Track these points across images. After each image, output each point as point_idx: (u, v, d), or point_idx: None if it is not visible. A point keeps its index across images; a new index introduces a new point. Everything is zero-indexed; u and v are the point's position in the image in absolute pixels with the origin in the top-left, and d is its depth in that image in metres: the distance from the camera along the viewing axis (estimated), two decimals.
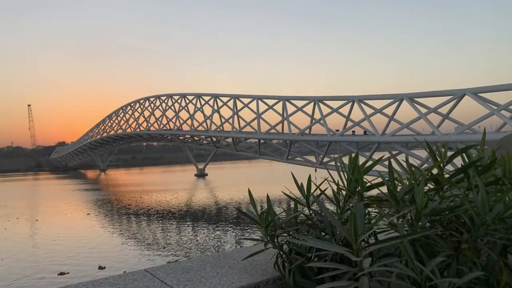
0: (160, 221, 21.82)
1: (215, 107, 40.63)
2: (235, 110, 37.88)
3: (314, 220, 1.40)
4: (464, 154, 1.26)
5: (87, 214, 24.78)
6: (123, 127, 59.49)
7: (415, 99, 23.92)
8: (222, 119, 40.00)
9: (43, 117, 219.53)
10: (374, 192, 1.32)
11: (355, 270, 1.01)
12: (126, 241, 16.95)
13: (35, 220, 23.29)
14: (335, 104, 29.23)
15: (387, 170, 1.27)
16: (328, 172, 1.44)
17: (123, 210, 26.67)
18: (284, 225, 1.41)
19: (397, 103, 24.49)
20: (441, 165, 1.25)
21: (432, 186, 1.27)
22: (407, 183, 1.23)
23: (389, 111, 25.21)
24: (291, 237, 1.37)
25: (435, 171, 1.28)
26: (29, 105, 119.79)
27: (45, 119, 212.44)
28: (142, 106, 54.63)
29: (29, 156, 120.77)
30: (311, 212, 1.41)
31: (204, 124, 42.54)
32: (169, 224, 21.07)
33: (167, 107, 48.81)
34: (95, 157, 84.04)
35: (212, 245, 15.75)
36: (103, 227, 20.51)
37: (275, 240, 1.36)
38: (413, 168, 1.26)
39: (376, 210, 1.28)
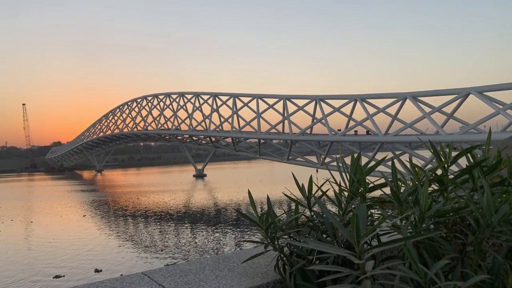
0: (158, 223, 21.68)
1: (214, 106, 40.50)
2: (235, 110, 37.80)
3: (316, 222, 1.38)
4: (469, 155, 1.25)
5: (83, 216, 24.56)
6: (120, 126, 59.19)
7: (419, 98, 23.84)
8: (222, 118, 39.90)
9: (38, 116, 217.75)
10: (377, 193, 1.30)
11: (358, 273, 0.99)
12: (123, 243, 16.81)
13: (30, 222, 23.04)
14: (337, 103, 29.18)
15: (390, 170, 1.25)
16: (330, 172, 1.42)
17: (120, 211, 26.47)
18: (285, 227, 1.39)
19: (400, 102, 24.38)
20: (446, 165, 1.24)
21: (436, 187, 1.25)
22: (411, 184, 1.21)
23: (392, 110, 25.13)
24: (292, 239, 1.34)
25: (439, 171, 1.26)
26: (23, 104, 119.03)
27: (40, 119, 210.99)
28: (139, 105, 54.42)
29: (23, 156, 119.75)
30: (312, 213, 1.39)
31: (203, 124, 42.40)
32: (167, 226, 20.94)
33: (165, 106, 48.65)
34: (91, 157, 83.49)
35: (211, 247, 15.66)
36: (100, 229, 20.33)
37: (276, 242, 1.34)
38: (416, 169, 1.24)
39: (379, 212, 1.26)
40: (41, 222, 22.90)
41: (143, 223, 21.93)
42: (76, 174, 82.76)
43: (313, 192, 1.38)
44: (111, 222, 22.71)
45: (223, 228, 19.61)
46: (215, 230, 18.94)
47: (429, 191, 1.14)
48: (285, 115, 32.40)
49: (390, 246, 0.99)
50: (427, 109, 23.40)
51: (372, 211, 1.29)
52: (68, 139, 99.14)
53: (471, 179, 1.21)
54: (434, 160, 1.28)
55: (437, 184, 1.25)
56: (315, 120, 30.66)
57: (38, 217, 24.97)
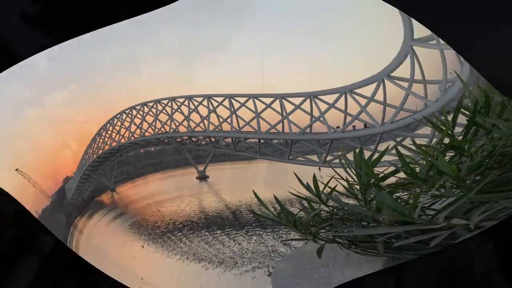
0: (194, 234, 21.34)
1: (211, 108, 39.24)
2: (232, 110, 36.75)
3: (341, 215, 1.40)
4: (463, 110, 1.21)
5: (142, 247, 24.30)
6: (116, 138, 58.19)
7: (393, 75, 22.83)
8: (220, 119, 38.88)
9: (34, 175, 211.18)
10: (389, 181, 1.30)
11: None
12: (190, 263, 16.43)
13: None
14: (330, 98, 28.05)
15: (396, 158, 1.23)
16: (334, 170, 1.42)
17: (157, 230, 26.33)
18: (312, 222, 1.42)
19: (381, 85, 23.49)
20: (449, 131, 1.20)
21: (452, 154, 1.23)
22: (424, 162, 1.20)
23: (379, 97, 24.27)
24: (334, 231, 1.37)
25: (447, 140, 1.23)
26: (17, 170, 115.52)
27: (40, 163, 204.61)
28: (130, 115, 53.14)
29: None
30: (330, 208, 1.42)
31: (201, 125, 41.39)
32: (204, 235, 20.63)
33: (159, 112, 47.18)
34: (100, 178, 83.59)
35: (264, 251, 15.37)
36: (166, 256, 19.83)
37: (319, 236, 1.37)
38: (423, 148, 1.22)
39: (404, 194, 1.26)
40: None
41: (184, 237, 21.72)
42: (98, 201, 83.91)
43: (320, 190, 1.41)
44: (164, 243, 22.47)
45: (253, 230, 19.38)
46: (249, 234, 18.78)
47: (446, 159, 1.13)
48: (284, 114, 31.60)
49: (456, 204, 1.02)
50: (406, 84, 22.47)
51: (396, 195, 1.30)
52: (72, 169, 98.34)
53: (479, 126, 1.18)
54: (436, 133, 1.25)
55: (452, 151, 1.23)
56: (313, 119, 29.92)
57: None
